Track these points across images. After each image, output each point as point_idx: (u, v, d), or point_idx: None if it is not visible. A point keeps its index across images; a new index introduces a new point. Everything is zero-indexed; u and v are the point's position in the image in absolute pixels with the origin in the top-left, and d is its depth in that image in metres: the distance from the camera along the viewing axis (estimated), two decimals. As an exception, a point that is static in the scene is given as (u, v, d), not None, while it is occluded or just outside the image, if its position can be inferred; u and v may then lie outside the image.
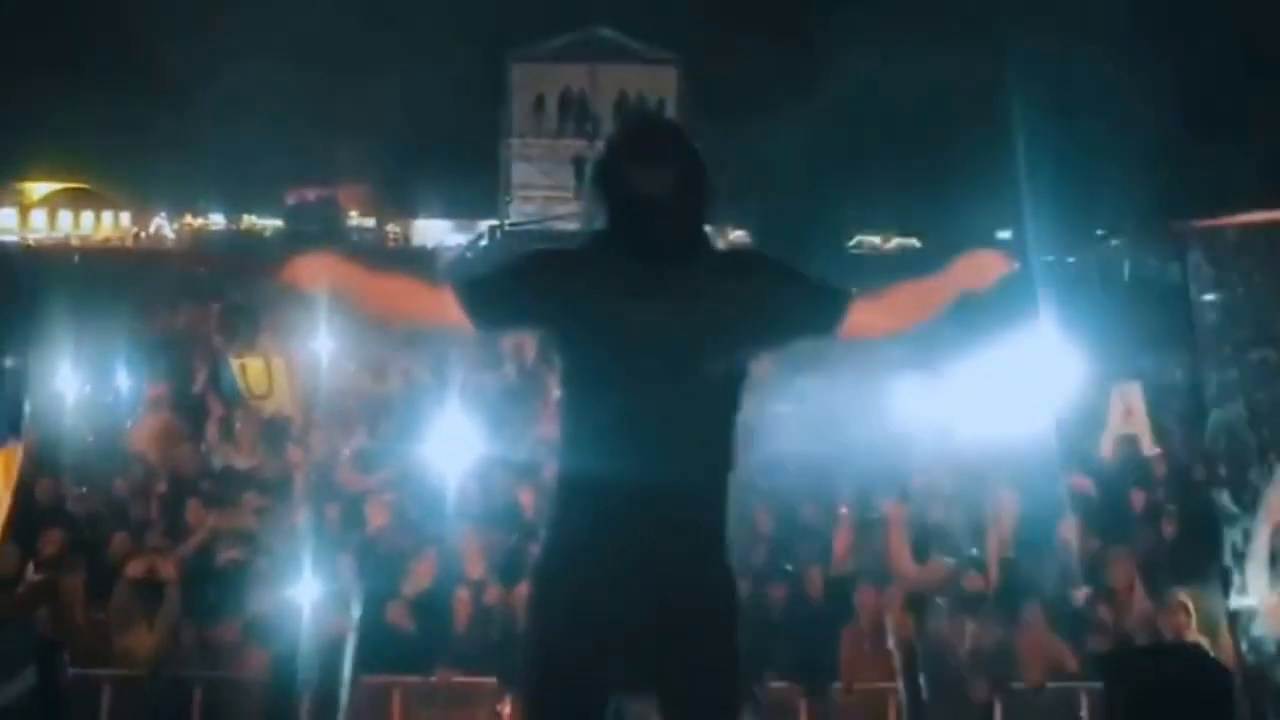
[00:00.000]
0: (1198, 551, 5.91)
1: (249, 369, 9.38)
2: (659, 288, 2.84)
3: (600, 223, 2.91)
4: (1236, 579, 2.98)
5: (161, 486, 7.72)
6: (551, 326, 2.94)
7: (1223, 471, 2.94)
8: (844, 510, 7.83)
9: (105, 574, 6.61)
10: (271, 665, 5.92)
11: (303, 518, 7.25)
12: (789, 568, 7.30)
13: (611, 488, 2.85)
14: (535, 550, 3.63)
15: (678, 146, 2.92)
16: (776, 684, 6.66)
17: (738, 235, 37.39)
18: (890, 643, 6.83)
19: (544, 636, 2.97)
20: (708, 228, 3.05)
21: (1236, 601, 2.99)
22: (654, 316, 2.83)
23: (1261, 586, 2.91)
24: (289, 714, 5.62)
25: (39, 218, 42.24)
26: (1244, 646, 2.94)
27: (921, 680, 6.55)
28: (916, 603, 7.04)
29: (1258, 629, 2.93)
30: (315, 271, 2.97)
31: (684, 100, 39.40)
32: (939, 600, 7.02)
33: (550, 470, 5.02)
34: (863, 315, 2.93)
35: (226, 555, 6.79)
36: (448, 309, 2.92)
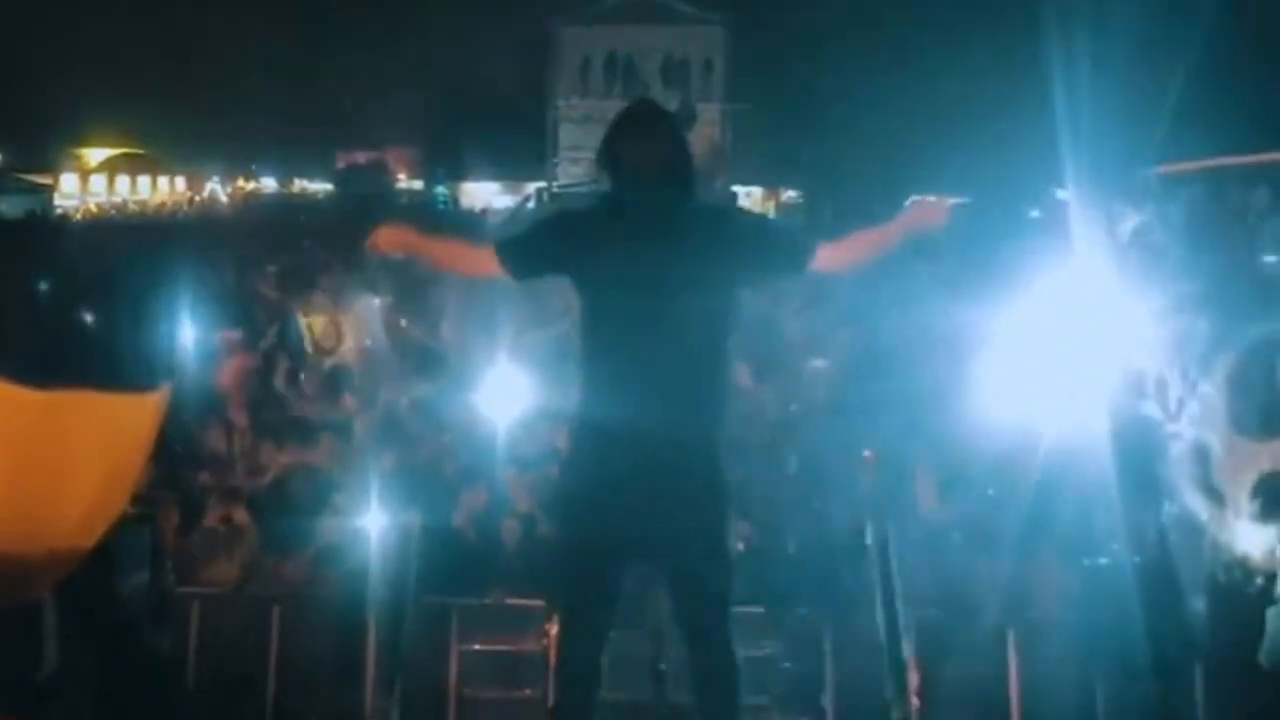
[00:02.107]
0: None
1: (316, 325, 10.13)
2: (650, 236, 3.55)
3: (606, 187, 3.72)
4: (1163, 477, 3.42)
5: (241, 427, 8.45)
6: (569, 269, 3.69)
7: (1151, 388, 3.38)
8: (868, 454, 8.29)
9: (194, 508, 7.29)
10: (340, 587, 6.51)
11: (365, 458, 7.86)
12: (816, 506, 7.77)
13: (617, 400, 3.52)
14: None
15: (660, 126, 3.66)
16: (801, 611, 7.12)
17: (790, 196, 37.36)
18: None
19: (567, 518, 3.83)
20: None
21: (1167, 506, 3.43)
22: (648, 260, 3.52)
23: (1189, 487, 3.36)
24: (359, 630, 6.20)
25: (98, 183, 43.26)
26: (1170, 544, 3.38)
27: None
28: (934, 538, 7.48)
29: (1179, 526, 3.38)
30: (390, 239, 3.79)
31: (732, 61, 39.35)
32: (955, 536, 7.46)
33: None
34: (826, 256, 3.64)
35: (298, 491, 7.43)
36: (491, 264, 3.68)
